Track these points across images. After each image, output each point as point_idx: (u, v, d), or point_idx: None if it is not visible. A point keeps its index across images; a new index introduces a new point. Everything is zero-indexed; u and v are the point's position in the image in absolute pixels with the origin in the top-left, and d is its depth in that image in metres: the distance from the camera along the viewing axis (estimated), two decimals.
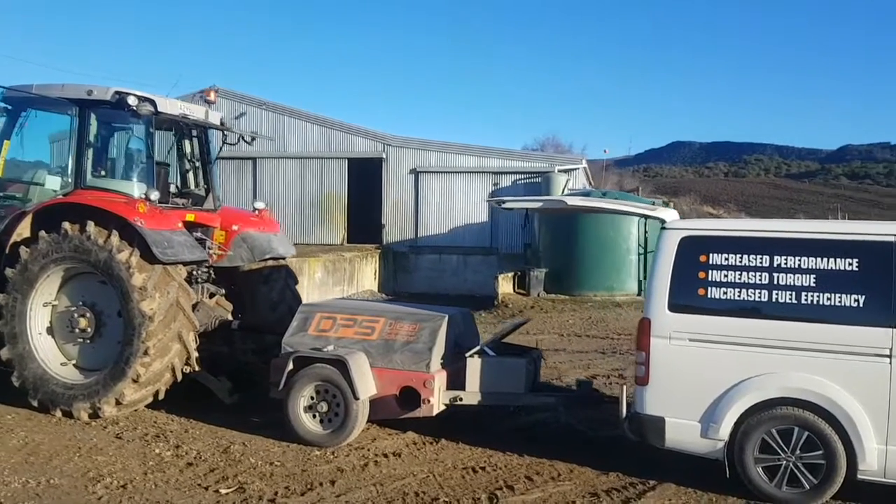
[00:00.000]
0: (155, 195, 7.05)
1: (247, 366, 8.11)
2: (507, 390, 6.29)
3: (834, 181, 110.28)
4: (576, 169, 22.74)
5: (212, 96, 8.34)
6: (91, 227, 6.71)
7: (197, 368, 7.20)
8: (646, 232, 18.12)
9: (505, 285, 18.48)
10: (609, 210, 6.60)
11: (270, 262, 8.30)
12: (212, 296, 7.91)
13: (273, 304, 8.28)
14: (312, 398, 6.33)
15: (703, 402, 5.08)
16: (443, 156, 23.33)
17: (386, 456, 5.99)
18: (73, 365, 7.02)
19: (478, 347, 6.42)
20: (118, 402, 6.67)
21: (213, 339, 7.56)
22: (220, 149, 8.27)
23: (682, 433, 5.15)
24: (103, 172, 7.45)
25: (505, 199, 6.55)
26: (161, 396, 6.99)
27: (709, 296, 5.13)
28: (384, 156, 23.34)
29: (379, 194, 23.28)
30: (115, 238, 6.66)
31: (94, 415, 6.71)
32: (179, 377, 7.02)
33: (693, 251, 5.20)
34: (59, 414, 6.79)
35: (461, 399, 6.30)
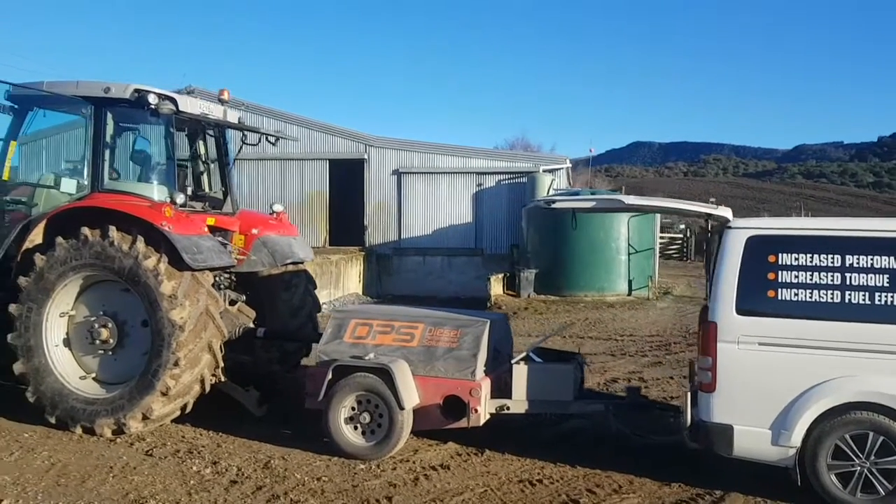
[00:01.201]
0: (181, 198, 6.73)
1: (270, 375, 7.86)
2: (556, 398, 6.14)
3: (790, 180, 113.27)
4: (560, 169, 22.74)
5: (225, 95, 8.01)
6: (113, 232, 6.35)
7: (223, 379, 6.89)
8: (639, 232, 18.26)
9: (496, 286, 18.38)
10: (668, 209, 6.48)
11: (290, 267, 8.04)
12: (233, 303, 7.60)
13: (294, 309, 8.02)
14: (353, 409, 6.09)
15: (773, 409, 5.00)
16: (425, 156, 23.13)
17: (434, 469, 5.79)
18: (93, 378, 6.64)
19: (524, 353, 6.26)
20: (145, 417, 6.32)
21: (236, 347, 7.25)
22: (240, 149, 7.95)
23: (752, 441, 5.06)
24: (121, 175, 7.09)
25: (555, 199, 6.37)
26: (188, 410, 6.66)
27: (779, 298, 5.05)
28: (366, 156, 23.05)
29: (361, 195, 22.98)
30: (140, 244, 6.32)
31: (119, 431, 6.35)
32: (207, 389, 6.71)
33: (761, 252, 5.11)
34: (79, 431, 6.41)
35: (508, 408, 6.13)
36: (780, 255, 5.09)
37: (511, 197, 22.79)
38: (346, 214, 23.26)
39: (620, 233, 18.06)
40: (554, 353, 6.85)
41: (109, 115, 6.84)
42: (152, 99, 6.66)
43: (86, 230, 6.39)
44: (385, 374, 5.96)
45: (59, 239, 6.43)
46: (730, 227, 5.31)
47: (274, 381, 7.89)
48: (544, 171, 22.16)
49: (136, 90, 6.69)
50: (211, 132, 7.79)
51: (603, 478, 5.58)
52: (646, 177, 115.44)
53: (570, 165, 24.64)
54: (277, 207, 8.30)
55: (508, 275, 19.40)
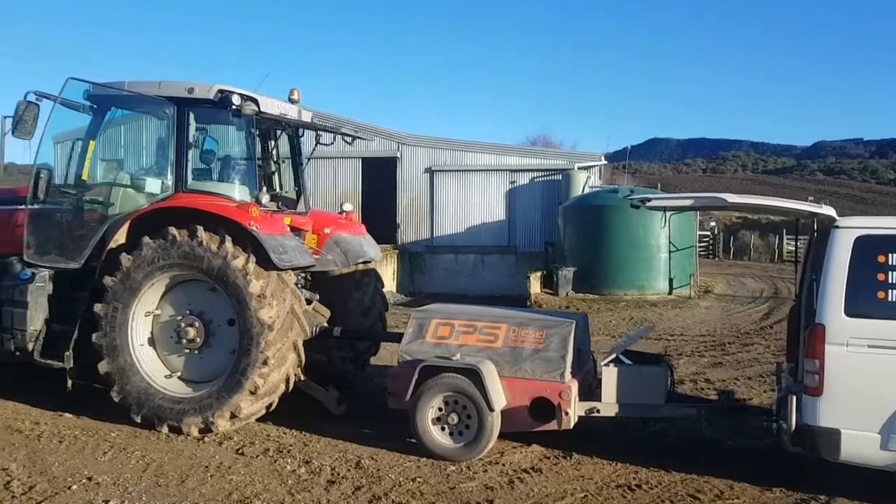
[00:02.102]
0: (266, 198, 6.75)
1: (343, 374, 7.88)
2: (647, 401, 6.10)
3: (810, 176, 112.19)
4: (595, 166, 22.63)
5: (296, 95, 8.02)
6: (202, 232, 6.38)
7: (302, 378, 6.92)
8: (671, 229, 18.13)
9: (534, 284, 18.33)
10: (771, 207, 6.39)
11: (361, 266, 8.05)
12: (308, 302, 7.60)
13: (366, 309, 8.04)
14: (440, 409, 6.09)
15: (883, 412, 4.93)
16: (458, 154, 23.10)
17: (526, 472, 5.77)
18: (178, 377, 6.67)
19: (613, 355, 6.22)
20: (233, 416, 6.36)
21: (311, 346, 7.26)
22: (314, 149, 7.97)
23: (860, 446, 5.00)
24: (203, 175, 7.12)
25: (650, 197, 6.30)
26: (272, 408, 6.69)
27: (889, 299, 4.98)
28: (398, 154, 23.04)
29: (393, 194, 22.97)
30: (228, 243, 6.34)
31: (206, 430, 6.39)
32: (290, 388, 6.73)
33: (870, 252, 5.04)
34: (165, 430, 6.45)
35: (598, 411, 6.10)
36: (889, 255, 5.01)
37: (545, 194, 22.69)
38: (378, 213, 23.23)
39: (661, 230, 17.94)
40: (646, 356, 6.79)
41: (191, 116, 6.86)
42: (236, 100, 6.68)
43: (173, 230, 6.43)
44: (474, 374, 5.95)
45: (147, 239, 6.47)
46: (837, 227, 5.23)
47: (346, 379, 7.91)
48: (579, 168, 22.06)
49: (220, 90, 6.71)
50: (286, 132, 7.80)
51: (702, 483, 5.54)
52: (664, 173, 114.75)
53: (606, 163, 24.52)
54: (347, 207, 8.32)
55: (545, 273, 19.34)
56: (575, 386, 6.04)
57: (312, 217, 7.88)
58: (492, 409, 5.87)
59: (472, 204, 22.92)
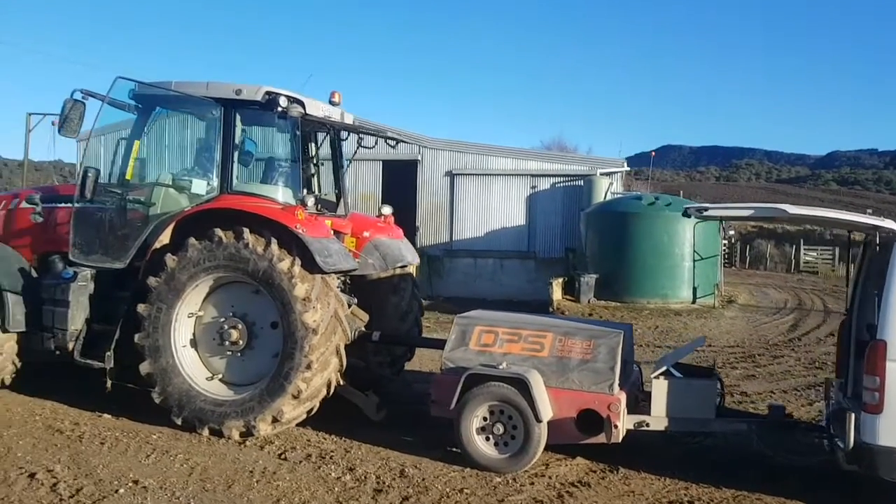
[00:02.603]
0: (311, 201, 6.71)
1: (380, 379, 7.83)
2: (697, 415, 6.00)
3: (824, 186, 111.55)
4: (617, 172, 22.50)
5: (336, 97, 7.99)
6: (248, 234, 6.34)
7: (342, 383, 6.86)
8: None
9: (556, 291, 18.21)
10: (831, 220, 6.26)
11: (398, 271, 7.99)
12: (347, 306, 7.55)
13: (403, 313, 7.98)
14: (485, 419, 6.01)
15: None
16: (479, 157, 23.02)
17: (574, 486, 5.68)
18: (220, 380, 6.63)
19: (664, 368, 6.13)
20: (275, 420, 6.31)
21: (350, 351, 7.21)
22: (355, 152, 7.93)
23: None
24: (249, 176, 7.09)
25: (708, 206, 6.19)
26: (313, 413, 6.64)
27: None
28: (419, 158, 22.99)
29: (414, 197, 22.92)
30: (274, 246, 6.30)
31: (248, 433, 6.34)
32: (331, 393, 6.68)
33: None
34: (206, 433, 6.41)
35: (648, 425, 6.01)
36: None
37: (566, 200, 22.58)
38: (398, 215, 23.14)
39: (686, 238, 17.80)
40: (696, 369, 6.69)
41: (238, 117, 6.83)
42: (283, 102, 6.65)
43: (219, 232, 6.39)
44: (521, 384, 5.87)
45: (192, 240, 6.43)
46: None
47: (383, 385, 7.85)
48: (602, 174, 21.94)
49: (268, 92, 6.68)
50: (327, 134, 7.76)
51: (754, 500, 5.44)
52: (677, 180, 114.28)
53: (629, 169, 24.39)
54: (386, 210, 8.27)
55: (567, 279, 19.23)
56: (624, 398, 5.95)
57: (351, 220, 7.84)
58: (539, 420, 5.79)
59: (492, 208, 22.84)
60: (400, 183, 23.16)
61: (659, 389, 6.01)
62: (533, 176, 22.87)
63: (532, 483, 5.70)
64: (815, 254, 42.47)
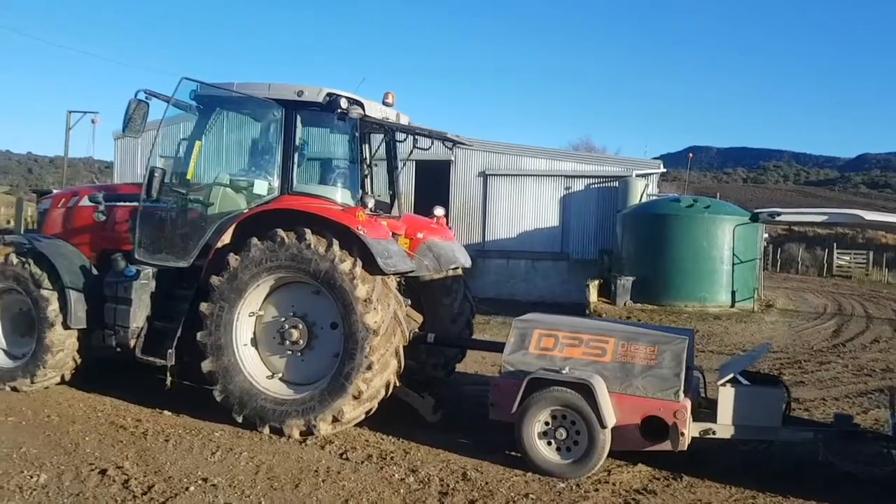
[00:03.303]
0: (371, 202, 6.72)
1: (433, 380, 7.83)
2: (764, 423, 5.91)
3: (853, 189, 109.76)
4: (653, 174, 22.30)
5: (390, 98, 7.99)
6: (310, 234, 6.37)
7: (397, 384, 6.86)
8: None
9: (592, 293, 18.10)
10: None
11: (450, 272, 7.99)
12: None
13: (455, 315, 7.98)
14: (547, 424, 5.97)
15: None
16: (512, 158, 22.95)
17: (640, 493, 5.61)
18: (280, 378, 6.67)
19: (730, 375, 6.04)
20: (335, 420, 6.33)
21: (405, 352, 7.21)
22: (411, 153, 7.93)
23: None
24: (308, 177, 7.13)
25: (779, 211, 6.10)
26: (371, 413, 6.65)
27: None
28: (452, 158, 22.94)
29: (446, 197, 22.90)
30: (336, 247, 6.32)
31: (308, 432, 6.37)
32: (389, 393, 6.69)
33: None
34: (267, 431, 6.45)
35: (714, 432, 5.93)
36: None
37: (601, 201, 22.44)
38: (430, 216, 23.25)
39: (725, 241, 17.59)
40: (761, 377, 6.58)
41: (299, 118, 6.86)
42: (343, 103, 6.67)
43: (281, 232, 6.42)
44: (585, 389, 5.82)
45: (255, 240, 6.48)
46: None
47: (435, 386, 7.84)
48: (637, 175, 21.77)
49: (329, 93, 6.70)
50: (385, 136, 7.77)
51: None
52: (703, 182, 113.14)
53: (665, 170, 24.16)
54: (438, 211, 8.27)
55: (602, 281, 19.10)
56: (689, 405, 5.88)
57: (405, 221, 7.84)
58: (604, 426, 5.74)
59: (526, 209, 22.76)
60: (433, 183, 23.16)
61: (726, 397, 5.93)
62: (567, 177, 22.75)
63: (596, 489, 5.65)
64: (847, 258, 41.79)
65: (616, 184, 22.10)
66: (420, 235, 7.73)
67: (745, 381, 6.02)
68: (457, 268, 8.00)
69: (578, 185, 22.75)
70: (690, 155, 28.82)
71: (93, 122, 30.54)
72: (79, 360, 7.34)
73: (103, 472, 5.36)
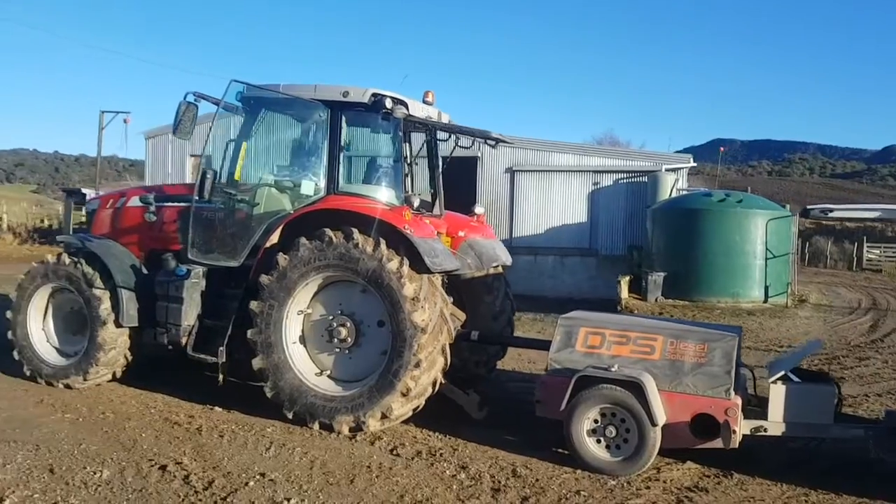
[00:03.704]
0: (417, 201, 6.78)
1: (474, 378, 7.88)
2: (815, 421, 5.88)
3: (880, 182, 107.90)
4: (682, 168, 22.14)
5: (430, 97, 8.03)
6: (357, 234, 6.44)
7: (442, 381, 6.92)
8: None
9: (623, 289, 18.02)
10: None
11: (491, 270, 8.03)
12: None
13: (496, 313, 8.01)
14: (596, 421, 6.00)
15: None
16: (540, 154, 22.88)
17: (692, 490, 5.60)
18: (328, 376, 6.76)
19: (781, 372, 6.02)
20: (384, 417, 6.41)
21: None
22: (452, 151, 7.98)
23: None
24: (353, 177, 7.20)
25: (832, 208, 6.09)
26: (418, 410, 6.72)
27: None
28: (479, 154, 22.93)
29: (473, 193, 22.90)
30: (383, 246, 6.38)
31: (357, 429, 6.45)
32: (435, 391, 6.75)
33: None
34: (316, 427, 6.55)
35: (765, 430, 5.91)
36: None
37: (630, 196, 22.31)
38: (458, 212, 23.27)
39: (758, 236, 17.41)
40: (810, 374, 6.55)
41: (343, 119, 6.93)
42: (388, 103, 6.72)
43: (329, 232, 6.50)
44: (635, 387, 5.83)
45: (303, 240, 6.57)
46: None
47: (476, 383, 7.88)
48: (667, 169, 21.61)
49: (374, 94, 6.76)
50: (427, 135, 7.83)
51: None
52: (728, 175, 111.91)
53: (694, 164, 23.96)
54: (479, 210, 8.31)
55: (632, 277, 19.01)
56: (740, 403, 5.87)
57: (447, 219, 7.89)
58: (654, 424, 5.74)
59: (553, 205, 22.70)
60: (460, 180, 23.15)
61: (776, 394, 5.90)
62: (595, 172, 22.64)
63: (647, 487, 5.66)
64: (878, 251, 41.12)
65: (645, 179, 21.97)
66: (461, 234, 7.78)
67: (795, 379, 5.99)
68: (498, 266, 8.03)
69: (607, 181, 22.64)
70: (722, 148, 28.64)
71: (125, 121, 31.06)
72: (130, 358, 7.50)
73: (163, 467, 5.48)
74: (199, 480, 5.29)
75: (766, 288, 17.45)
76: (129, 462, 5.57)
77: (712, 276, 17.54)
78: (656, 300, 17.71)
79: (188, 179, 25.29)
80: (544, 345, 7.81)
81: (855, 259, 39.80)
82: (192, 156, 25.48)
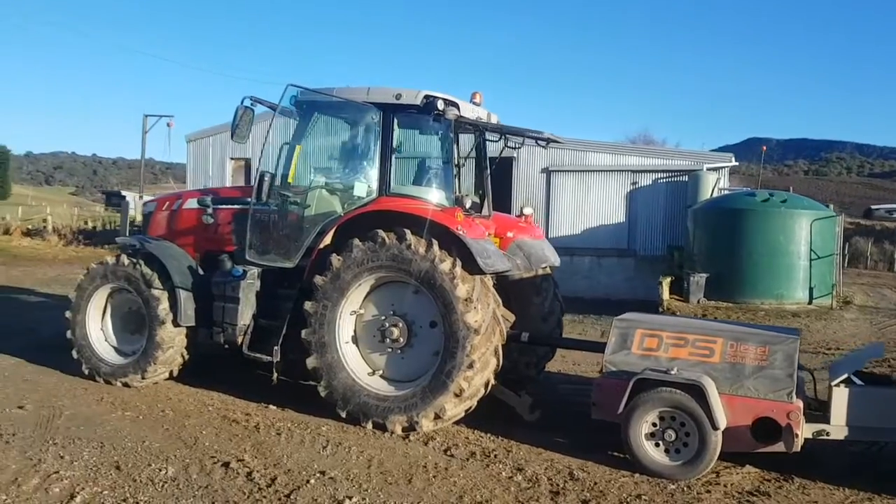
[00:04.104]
0: (469, 202, 6.79)
1: (524, 379, 7.86)
2: (879, 424, 5.76)
3: None
4: (724, 167, 21.80)
5: (478, 98, 8.03)
6: (409, 235, 6.47)
7: (493, 382, 6.91)
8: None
9: (664, 290, 17.81)
10: None
11: (540, 271, 8.00)
12: None
13: (545, 315, 7.99)
14: (655, 425, 5.94)
15: None
16: (576, 153, 22.71)
17: (753, 495, 5.52)
18: (380, 375, 6.80)
19: (844, 375, 5.90)
20: (437, 417, 6.43)
21: None
22: (501, 152, 7.98)
23: None
24: (405, 179, 7.25)
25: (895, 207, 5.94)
26: (470, 411, 6.72)
27: None
28: (515, 154, 22.83)
29: (509, 194, 22.83)
30: (436, 247, 6.40)
31: (410, 428, 6.49)
32: (487, 392, 6.75)
33: None
34: (370, 426, 6.59)
35: (828, 434, 5.80)
36: None
37: (669, 196, 22.04)
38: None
39: (802, 237, 17.06)
40: (872, 376, 6.42)
41: (395, 121, 6.97)
42: (441, 105, 6.74)
43: (382, 233, 6.54)
44: (696, 390, 5.76)
45: (356, 241, 6.62)
46: None
47: (526, 385, 7.86)
48: (708, 169, 21.31)
49: (427, 96, 6.79)
50: (476, 136, 7.83)
51: None
52: (763, 175, 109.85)
53: (736, 163, 23.60)
54: (527, 210, 8.30)
55: (673, 278, 18.78)
56: (801, 406, 5.77)
57: (495, 220, 7.89)
58: (716, 428, 5.67)
59: (590, 205, 22.52)
60: (495, 180, 23.03)
61: (839, 397, 5.79)
62: (633, 172, 22.41)
63: (708, 491, 5.59)
64: None
65: (685, 178, 21.70)
66: (510, 234, 7.77)
67: (858, 382, 5.86)
68: (546, 266, 8.00)
69: (645, 180, 22.40)
70: (764, 147, 28.06)
71: (168, 125, 31.67)
72: (186, 357, 7.63)
73: (226, 464, 5.57)
74: (262, 477, 5.36)
75: (811, 289, 17.10)
76: (193, 459, 5.67)
77: (756, 278, 17.23)
78: (698, 302, 17.45)
79: (228, 181, 25.70)
80: (594, 346, 7.81)
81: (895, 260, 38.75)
82: (232, 158, 25.88)
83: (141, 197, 25.76)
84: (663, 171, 22.12)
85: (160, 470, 5.41)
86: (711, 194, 20.35)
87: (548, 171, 22.65)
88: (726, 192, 20.92)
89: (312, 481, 5.34)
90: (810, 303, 17.09)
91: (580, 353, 9.35)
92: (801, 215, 17.26)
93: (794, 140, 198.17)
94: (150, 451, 5.81)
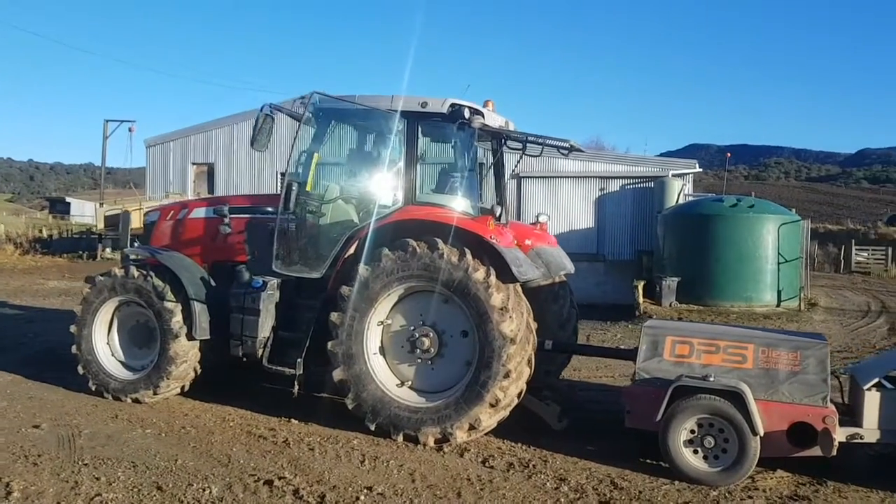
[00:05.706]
0: (499, 211, 6.74)
1: (546, 387, 7.83)
2: None
3: (855, 185, 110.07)
4: (689, 174, 22.37)
5: (490, 106, 8.00)
6: (442, 244, 6.38)
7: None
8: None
9: (639, 294, 18.12)
10: None
11: (556, 278, 8.01)
12: None
13: (562, 322, 7.99)
14: (693, 432, 5.99)
15: None
16: (545, 160, 22.88)
17: (792, 499, 5.61)
18: (409, 387, 6.68)
19: (875, 379, 6.07)
20: (472, 428, 6.35)
21: None
22: (520, 160, 7.96)
23: None
24: (429, 187, 7.15)
25: None
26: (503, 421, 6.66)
27: None
28: (484, 160, 22.94)
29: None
30: (469, 256, 6.33)
31: (443, 440, 6.39)
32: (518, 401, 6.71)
33: None
34: (400, 438, 6.47)
35: (861, 438, 5.95)
36: None
37: (636, 202, 22.56)
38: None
39: (770, 241, 17.61)
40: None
41: (420, 129, 6.88)
42: (466, 113, 6.69)
43: (413, 242, 6.44)
44: (736, 397, 5.83)
45: (386, 251, 6.49)
46: None
47: (554, 393, 7.84)
48: (673, 175, 21.84)
49: (453, 104, 6.73)
50: (494, 145, 7.80)
51: None
52: (705, 180, 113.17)
53: (701, 170, 24.21)
54: (543, 218, 8.30)
55: (646, 282, 19.14)
56: (836, 410, 5.91)
57: (512, 228, 7.85)
58: (756, 434, 5.75)
59: (560, 210, 22.84)
60: None
61: (871, 401, 5.94)
62: (601, 178, 22.86)
63: (750, 497, 5.66)
64: (865, 254, 41.87)
65: (652, 184, 22.20)
66: (528, 242, 7.75)
67: (889, 385, 6.04)
68: (563, 273, 8.02)
69: (613, 186, 22.86)
70: (728, 154, 28.80)
71: (130, 130, 30.82)
72: (198, 371, 7.35)
73: (269, 483, 5.37)
74: (310, 495, 5.19)
75: (779, 292, 17.65)
76: (233, 478, 5.45)
77: (725, 281, 17.70)
78: (671, 305, 17.83)
79: (190, 187, 25.04)
80: (617, 353, 7.86)
81: (843, 262, 40.44)
82: (194, 164, 25.26)
83: (101, 205, 24.84)
84: (630, 178, 22.61)
85: (204, 490, 5.19)
86: (677, 200, 20.85)
87: (518, 177, 22.81)
88: (691, 197, 21.45)
89: (362, 497, 5.20)
90: (778, 305, 17.64)
91: (578, 357, 9.38)
92: (768, 220, 17.81)
93: (735, 146, 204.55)
94: (185, 470, 5.57)
